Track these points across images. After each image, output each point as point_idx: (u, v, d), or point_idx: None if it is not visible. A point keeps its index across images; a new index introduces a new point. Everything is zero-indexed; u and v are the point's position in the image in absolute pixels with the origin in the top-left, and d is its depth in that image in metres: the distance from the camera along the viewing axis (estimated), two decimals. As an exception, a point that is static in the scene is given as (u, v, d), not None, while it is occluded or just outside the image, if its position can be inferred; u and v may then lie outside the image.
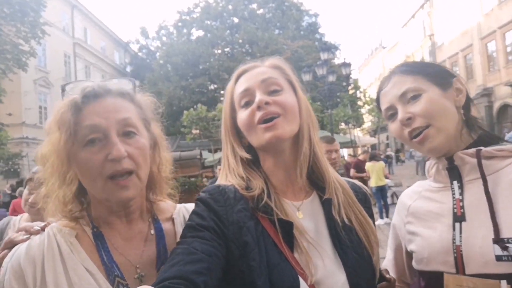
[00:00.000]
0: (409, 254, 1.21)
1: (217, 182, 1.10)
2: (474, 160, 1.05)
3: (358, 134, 33.07)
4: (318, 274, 0.95)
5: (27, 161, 21.16)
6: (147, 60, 37.06)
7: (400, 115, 1.10)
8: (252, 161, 1.11)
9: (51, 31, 20.75)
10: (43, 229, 1.00)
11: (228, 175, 1.09)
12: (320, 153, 1.11)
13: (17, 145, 22.22)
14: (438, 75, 1.13)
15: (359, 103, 31.46)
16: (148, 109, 1.09)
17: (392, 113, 1.16)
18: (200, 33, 34.31)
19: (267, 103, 1.02)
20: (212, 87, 33.37)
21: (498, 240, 0.94)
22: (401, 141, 1.15)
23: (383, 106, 1.18)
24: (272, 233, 0.97)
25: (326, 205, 1.06)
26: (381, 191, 9.70)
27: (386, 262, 1.33)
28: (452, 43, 29.45)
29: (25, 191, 2.59)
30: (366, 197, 1.18)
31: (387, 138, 54.12)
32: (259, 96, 1.03)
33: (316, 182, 1.10)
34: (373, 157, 10.42)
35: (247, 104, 1.06)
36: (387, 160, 21.41)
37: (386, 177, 10.43)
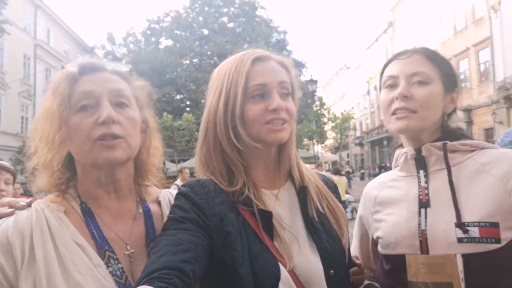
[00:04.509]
0: (375, 242, 1.28)
1: (200, 172, 1.13)
2: (441, 152, 1.15)
3: (320, 150, 33.77)
4: (296, 259, 0.99)
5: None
6: (112, 67, 36.19)
7: (401, 89, 1.15)
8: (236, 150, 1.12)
9: (11, 30, 19.84)
10: (29, 205, 0.98)
11: (214, 166, 1.09)
12: (295, 149, 1.17)
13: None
14: (450, 77, 1.20)
15: (324, 119, 32.22)
16: (142, 93, 1.11)
17: (391, 83, 1.20)
18: (169, 42, 34.07)
19: (281, 109, 1.04)
20: (178, 97, 33.08)
21: (460, 224, 1.03)
22: (382, 111, 1.21)
23: (388, 73, 1.22)
24: (253, 224, 1.01)
25: (302, 192, 1.11)
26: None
27: (352, 250, 1.39)
28: (412, 68, 30.84)
29: None
30: (334, 185, 1.25)
31: (348, 155, 55.62)
32: (277, 101, 1.04)
33: (290, 172, 1.15)
34: (337, 172, 10.71)
35: (260, 97, 1.05)
36: (348, 175, 22.04)
37: (347, 193, 10.72)
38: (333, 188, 1.23)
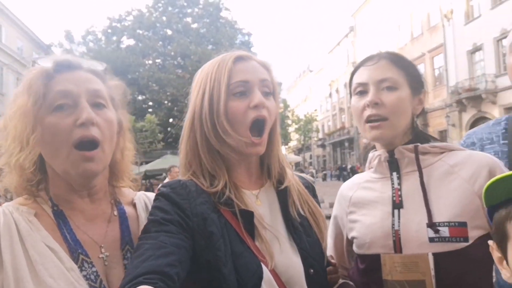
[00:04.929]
0: (349, 241, 1.31)
1: (182, 172, 1.12)
2: (412, 155, 1.19)
3: (284, 151, 34.18)
4: (277, 259, 1.01)
5: None
6: (70, 65, 34.82)
7: (371, 97, 1.18)
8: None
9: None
10: None
11: (197, 166, 1.10)
12: (281, 150, 1.20)
13: None
14: (416, 80, 1.24)
15: (288, 121, 32.62)
16: (117, 93, 1.10)
17: (361, 90, 1.23)
18: (131, 42, 33.25)
19: (263, 106, 1.06)
20: (140, 97, 32.33)
21: (431, 224, 1.08)
22: (355, 118, 1.24)
23: (358, 80, 1.24)
24: (234, 224, 1.01)
25: (282, 193, 1.13)
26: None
27: (327, 249, 1.42)
28: (372, 72, 31.95)
29: None
30: (313, 188, 1.28)
31: (310, 157, 56.64)
32: (259, 96, 1.06)
33: (270, 172, 1.17)
34: (301, 172, 10.91)
35: (240, 95, 1.07)
36: (313, 178, 22.46)
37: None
38: (313, 192, 1.26)
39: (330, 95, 48.32)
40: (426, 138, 1.25)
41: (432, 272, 1.04)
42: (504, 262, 0.86)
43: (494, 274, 1.15)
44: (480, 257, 1.05)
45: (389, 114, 1.17)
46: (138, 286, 0.77)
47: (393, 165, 1.22)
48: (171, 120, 30.91)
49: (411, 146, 1.20)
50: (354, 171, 34.83)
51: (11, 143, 0.94)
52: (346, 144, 41.47)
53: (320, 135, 51.50)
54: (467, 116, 22.75)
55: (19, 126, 0.93)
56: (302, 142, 39.95)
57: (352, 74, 1.30)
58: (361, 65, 1.27)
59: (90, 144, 0.94)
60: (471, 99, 21.91)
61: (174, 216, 0.97)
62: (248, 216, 1.02)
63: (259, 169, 1.18)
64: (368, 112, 1.19)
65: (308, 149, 52.87)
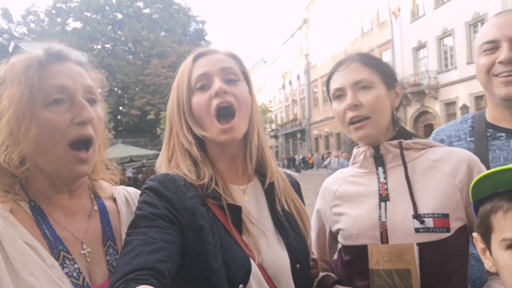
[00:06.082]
0: (332, 235, 1.36)
1: (164, 170, 1.10)
2: (397, 150, 1.25)
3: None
4: (264, 253, 1.02)
5: None
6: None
7: (349, 100, 1.23)
8: (200, 145, 1.13)
9: None
10: None
11: (180, 161, 1.09)
12: (266, 145, 1.20)
13: None
14: (389, 75, 1.29)
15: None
16: (99, 86, 1.07)
17: (339, 94, 1.28)
18: (78, 24, 31.55)
19: (225, 92, 1.06)
20: (88, 84, 30.93)
21: (417, 215, 1.14)
22: (339, 121, 1.29)
23: (334, 86, 1.29)
24: (222, 218, 1.02)
25: (269, 188, 1.15)
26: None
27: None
28: (324, 64, 32.93)
29: None
30: (298, 185, 1.31)
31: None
32: (218, 84, 1.06)
33: (257, 168, 1.18)
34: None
35: (203, 88, 1.09)
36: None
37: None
38: (298, 189, 1.29)
39: (284, 86, 48.97)
40: (408, 135, 1.31)
41: (417, 261, 1.10)
42: (487, 252, 0.92)
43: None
44: (459, 247, 1.14)
45: (369, 113, 1.22)
46: (129, 283, 0.76)
47: (379, 160, 1.27)
48: (121, 108, 29.79)
49: (395, 142, 1.26)
50: (305, 161, 35.78)
51: (4, 139, 0.88)
52: (298, 135, 42.35)
53: (273, 126, 52.18)
54: (412, 110, 24.08)
55: (12, 121, 0.87)
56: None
57: (328, 80, 1.35)
58: (334, 71, 1.32)
59: (85, 143, 0.92)
60: (415, 94, 23.19)
61: (163, 211, 0.96)
62: (235, 211, 1.03)
63: (244, 163, 1.18)
64: (349, 114, 1.24)
65: (262, 139, 53.31)
